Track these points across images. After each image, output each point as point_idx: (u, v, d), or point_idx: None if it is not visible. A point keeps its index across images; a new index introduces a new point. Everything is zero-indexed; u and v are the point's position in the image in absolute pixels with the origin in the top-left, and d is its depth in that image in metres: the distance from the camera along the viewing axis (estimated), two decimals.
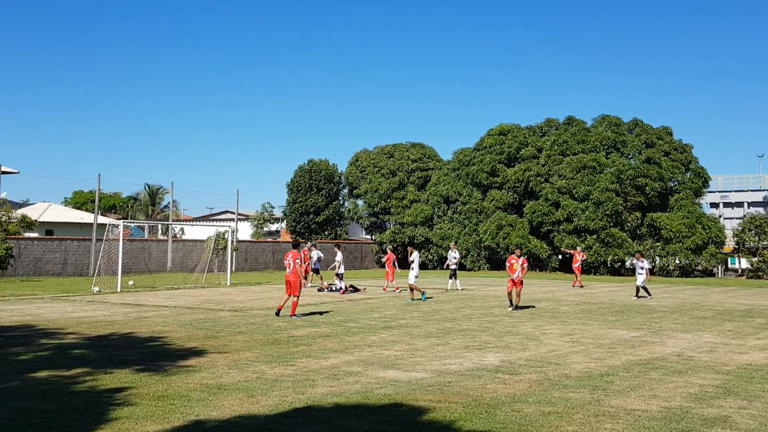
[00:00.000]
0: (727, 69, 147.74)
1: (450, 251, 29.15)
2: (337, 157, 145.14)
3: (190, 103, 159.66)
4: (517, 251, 21.06)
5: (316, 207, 58.77)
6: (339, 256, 28.32)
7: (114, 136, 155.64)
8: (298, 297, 17.90)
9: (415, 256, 24.58)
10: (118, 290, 26.55)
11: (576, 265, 33.03)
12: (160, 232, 62.60)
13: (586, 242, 47.70)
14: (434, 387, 9.11)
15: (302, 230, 59.19)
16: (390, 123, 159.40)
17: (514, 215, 51.71)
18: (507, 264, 20.52)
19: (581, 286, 31.90)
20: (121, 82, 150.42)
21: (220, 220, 71.69)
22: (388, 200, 57.81)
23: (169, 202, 63.34)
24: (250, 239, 61.52)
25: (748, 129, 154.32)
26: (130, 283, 29.35)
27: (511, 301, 20.32)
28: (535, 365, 10.87)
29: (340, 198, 62.35)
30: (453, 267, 28.80)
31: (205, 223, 68.81)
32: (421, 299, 23.19)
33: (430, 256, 55.97)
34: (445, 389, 8.97)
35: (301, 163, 61.08)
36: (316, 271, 29.63)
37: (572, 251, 35.43)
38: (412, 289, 23.84)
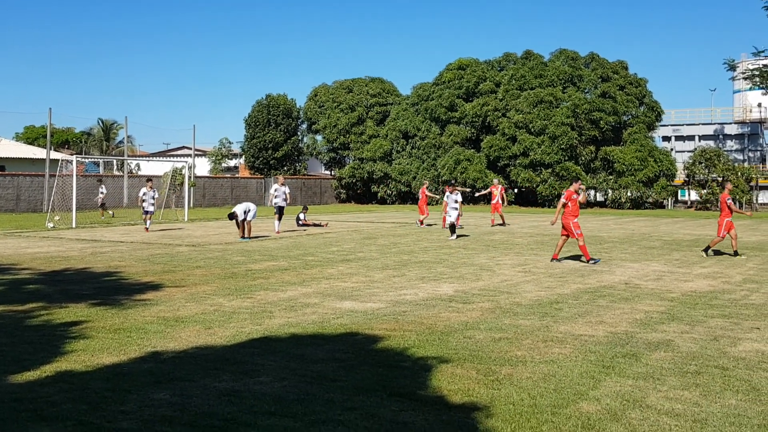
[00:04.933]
0: (681, 2, 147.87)
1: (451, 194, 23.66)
2: (296, 92, 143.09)
3: (144, 36, 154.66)
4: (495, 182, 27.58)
5: (275, 142, 58.17)
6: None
7: (66, 69, 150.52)
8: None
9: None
10: (73, 226, 26.18)
11: (494, 202, 27.82)
12: (115, 167, 61.38)
13: (542, 176, 48.38)
14: (389, 316, 9.32)
15: (261, 166, 58.69)
16: (349, 58, 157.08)
17: (472, 150, 51.98)
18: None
19: (501, 224, 27.56)
20: (74, 16, 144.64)
21: (177, 155, 70.43)
22: (347, 135, 57.48)
23: (123, 138, 62.04)
24: (208, 175, 60.90)
25: (701, 63, 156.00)
26: (56, 218, 27.62)
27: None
28: (488, 294, 11.17)
29: (298, 133, 61.76)
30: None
31: (161, 158, 67.62)
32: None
33: (389, 191, 56.20)
34: (400, 318, 9.20)
35: (259, 98, 60.07)
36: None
37: (490, 187, 28.83)
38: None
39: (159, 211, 32.63)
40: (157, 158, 66.99)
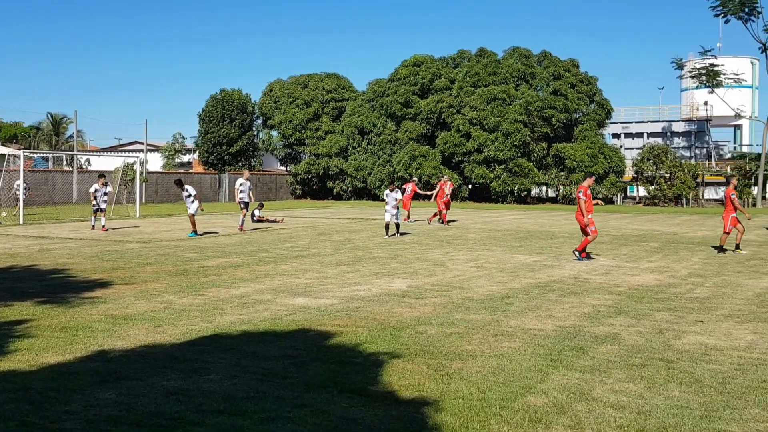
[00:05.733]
0: (631, 2, 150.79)
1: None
2: (251, 87, 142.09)
3: (96, 29, 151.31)
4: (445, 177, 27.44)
5: (229, 138, 57.58)
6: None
7: (14, 62, 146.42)
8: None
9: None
10: (21, 222, 25.51)
11: (443, 199, 26.50)
12: (64, 162, 60.01)
13: (495, 172, 48.90)
14: (342, 312, 9.32)
15: (215, 161, 58.03)
16: (304, 53, 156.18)
17: (427, 146, 52.23)
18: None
19: (443, 222, 26.32)
20: (23, 8, 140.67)
21: (129, 150, 69.28)
22: (303, 131, 57.18)
23: (73, 132, 60.65)
24: (160, 170, 59.91)
25: (650, 62, 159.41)
26: (3, 214, 27.24)
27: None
28: (441, 289, 11.26)
29: (253, 129, 61.25)
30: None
31: (113, 153, 66.32)
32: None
33: (345, 187, 56.13)
34: (353, 314, 9.20)
35: (213, 93, 59.36)
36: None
37: (439, 183, 27.47)
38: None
39: (110, 208, 31.99)
40: (108, 153, 65.70)
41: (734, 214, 17.06)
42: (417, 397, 5.77)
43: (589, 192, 15.42)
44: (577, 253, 15.47)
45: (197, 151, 61.98)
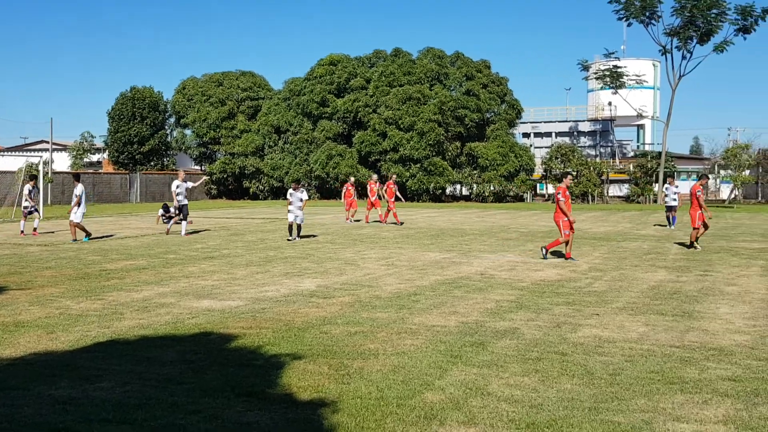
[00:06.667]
0: (540, 5, 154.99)
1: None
2: (163, 85, 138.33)
3: None
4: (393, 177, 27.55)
5: (141, 137, 56.01)
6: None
7: None
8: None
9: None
10: None
11: (392, 199, 26.44)
12: None
13: (410, 171, 49.40)
14: (247, 314, 9.19)
15: (126, 161, 56.30)
16: (218, 50, 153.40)
17: (344, 145, 52.28)
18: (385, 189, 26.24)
19: (401, 222, 26.37)
20: None
21: (34, 150, 66.22)
22: (218, 130, 56.19)
23: None
24: (67, 170, 57.64)
25: (557, 64, 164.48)
26: None
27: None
28: (349, 288, 11.26)
29: (166, 127, 59.77)
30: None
31: (16, 153, 63.33)
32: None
33: (261, 186, 55.48)
34: (258, 315, 9.09)
35: (123, 91, 57.54)
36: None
37: (387, 183, 27.13)
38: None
39: (10, 209, 30.55)
40: (12, 153, 62.73)
41: (700, 211, 17.45)
42: (315, 398, 5.74)
43: (567, 193, 15.29)
44: (544, 250, 15.38)
45: (107, 151, 60.00)
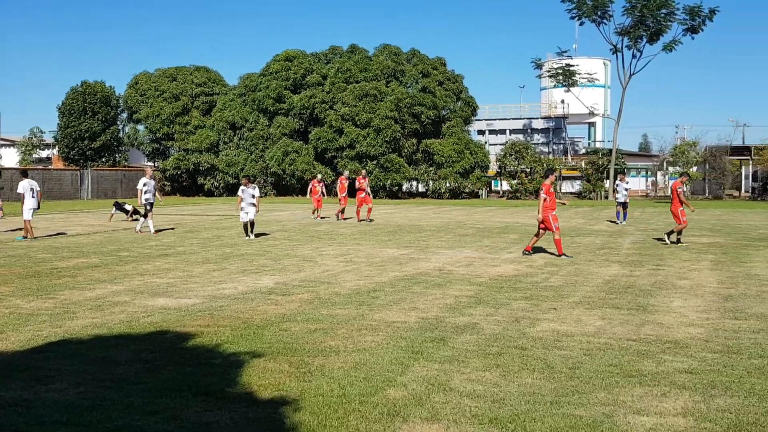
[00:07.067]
0: (495, 4, 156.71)
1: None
2: (115, 80, 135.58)
3: None
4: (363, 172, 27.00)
5: (92, 132, 54.78)
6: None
7: None
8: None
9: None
10: None
11: (362, 196, 25.99)
12: None
13: (367, 168, 49.39)
14: (204, 312, 9.03)
15: (76, 157, 55.02)
16: (172, 45, 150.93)
17: (300, 142, 51.98)
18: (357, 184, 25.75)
19: (367, 219, 26.00)
20: None
21: None
22: (171, 125, 55.27)
23: None
24: (15, 167, 56.06)
25: (512, 62, 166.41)
26: None
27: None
28: (308, 285, 11.17)
29: (118, 123, 58.58)
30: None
31: None
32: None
33: (216, 183, 54.81)
34: (216, 313, 8.94)
35: (74, 85, 56.19)
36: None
37: (358, 179, 26.55)
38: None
39: None
40: None
41: (681, 207, 17.64)
42: (276, 396, 5.66)
43: (551, 190, 15.14)
44: (561, 256, 14.90)
45: (57, 146, 58.58)
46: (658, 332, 7.90)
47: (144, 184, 20.46)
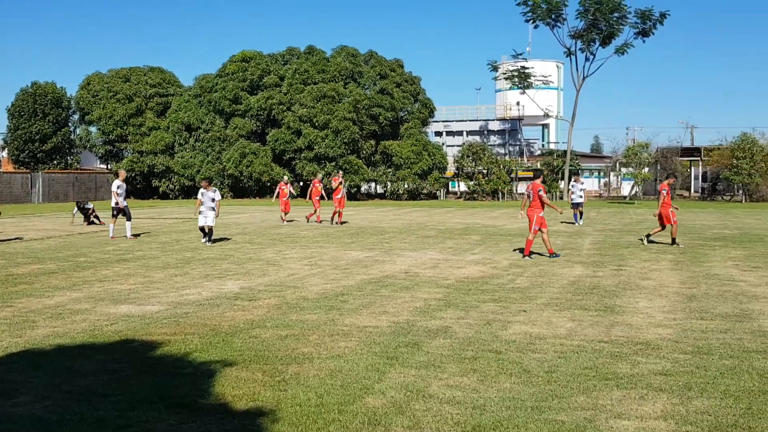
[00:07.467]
0: (451, 6, 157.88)
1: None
2: (66, 80, 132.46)
3: None
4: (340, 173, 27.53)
5: (42, 134, 53.45)
6: None
7: None
8: None
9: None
10: None
11: (338, 197, 25.65)
12: None
13: (326, 169, 49.18)
14: (170, 319, 8.80)
15: (27, 159, 53.60)
16: (125, 45, 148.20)
17: (258, 143, 51.51)
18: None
19: (343, 222, 26.00)
20: None
21: None
22: (125, 127, 54.25)
23: None
24: None
25: (468, 64, 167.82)
26: None
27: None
28: (274, 290, 10.99)
29: (70, 124, 57.24)
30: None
31: None
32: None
33: (171, 185, 53.94)
34: (182, 321, 8.72)
35: (23, 86, 54.78)
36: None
37: (333, 178, 26.65)
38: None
39: None
40: None
41: (671, 208, 17.81)
42: (252, 407, 5.51)
43: (540, 191, 14.92)
44: (525, 257, 14.95)
45: (6, 149, 57.02)
46: (628, 333, 7.96)
47: (118, 187, 20.17)
